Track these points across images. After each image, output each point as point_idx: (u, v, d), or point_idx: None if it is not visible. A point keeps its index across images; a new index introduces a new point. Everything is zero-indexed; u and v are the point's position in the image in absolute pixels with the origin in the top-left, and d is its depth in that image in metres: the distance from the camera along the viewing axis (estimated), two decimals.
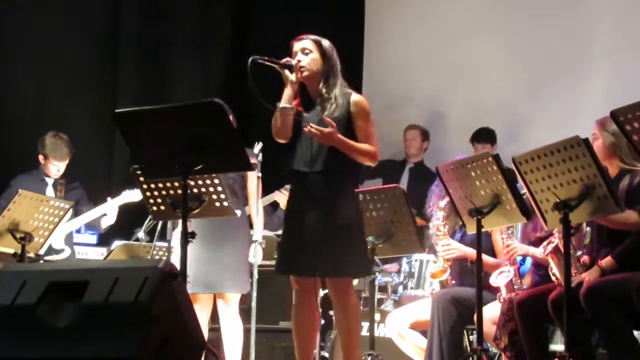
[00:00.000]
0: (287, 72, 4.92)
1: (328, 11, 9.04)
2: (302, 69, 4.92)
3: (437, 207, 5.94)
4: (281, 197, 7.12)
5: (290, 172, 5.01)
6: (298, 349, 5.04)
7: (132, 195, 7.07)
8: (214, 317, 6.27)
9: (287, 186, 6.83)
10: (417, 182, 8.03)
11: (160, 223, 6.50)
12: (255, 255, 6.15)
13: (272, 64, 4.93)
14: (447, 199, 5.77)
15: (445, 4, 9.13)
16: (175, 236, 6.12)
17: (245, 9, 9.72)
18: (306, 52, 4.95)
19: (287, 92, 4.93)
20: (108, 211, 7.22)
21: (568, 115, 7.80)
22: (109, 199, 7.23)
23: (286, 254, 5.00)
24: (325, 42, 4.99)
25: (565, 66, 8.41)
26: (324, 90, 4.93)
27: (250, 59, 4.84)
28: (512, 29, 8.74)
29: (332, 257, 4.83)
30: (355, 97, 4.95)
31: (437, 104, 9.01)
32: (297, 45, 4.98)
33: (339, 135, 4.83)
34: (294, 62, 4.92)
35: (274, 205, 7.45)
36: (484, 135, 8.20)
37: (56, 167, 7.18)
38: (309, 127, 4.79)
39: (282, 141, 4.99)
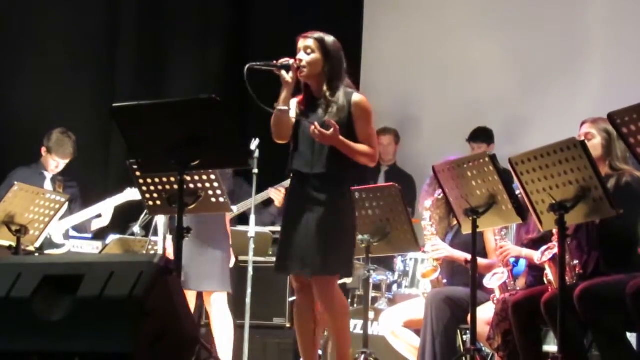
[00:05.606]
0: (283, 73, 4.87)
1: (327, 9, 9.03)
2: (301, 69, 4.90)
3: (423, 208, 5.93)
4: (276, 194, 7.13)
5: (290, 172, 5.00)
6: (302, 346, 5.04)
7: (134, 194, 6.85)
8: (207, 313, 6.27)
9: (283, 183, 6.85)
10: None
11: (155, 218, 6.50)
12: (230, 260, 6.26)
13: (269, 68, 4.89)
14: (432, 199, 5.80)
15: (442, 1, 9.13)
16: (161, 230, 6.15)
17: (243, 5, 9.71)
18: (308, 52, 4.92)
19: (283, 93, 4.89)
20: (103, 211, 7.18)
21: (565, 115, 7.80)
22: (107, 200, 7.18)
23: (280, 253, 4.99)
24: (330, 41, 4.94)
25: (562, 65, 8.42)
26: (327, 93, 4.91)
27: (246, 67, 4.80)
28: (509, 27, 8.74)
29: (313, 255, 4.82)
30: (356, 97, 4.93)
31: (434, 102, 9.00)
32: (301, 42, 4.95)
33: (341, 137, 4.82)
34: (291, 61, 4.88)
35: (266, 202, 7.45)
36: (481, 135, 8.18)
37: (55, 163, 7.15)
38: (313, 127, 4.79)
39: (280, 142, 4.98)
